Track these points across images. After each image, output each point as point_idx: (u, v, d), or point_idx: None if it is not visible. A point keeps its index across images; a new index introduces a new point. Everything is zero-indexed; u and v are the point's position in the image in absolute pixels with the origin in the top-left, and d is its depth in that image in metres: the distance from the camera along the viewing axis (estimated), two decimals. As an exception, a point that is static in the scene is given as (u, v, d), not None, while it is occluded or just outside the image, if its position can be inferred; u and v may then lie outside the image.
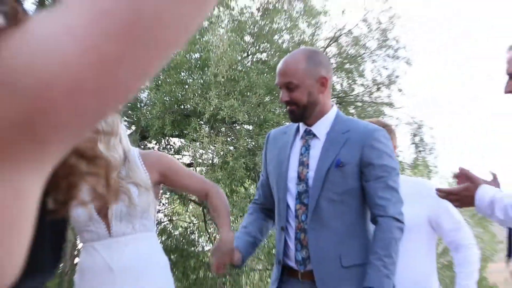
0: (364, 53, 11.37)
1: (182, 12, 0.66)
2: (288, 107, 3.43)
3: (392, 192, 3.40)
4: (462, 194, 3.14)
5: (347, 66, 11.31)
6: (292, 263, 3.42)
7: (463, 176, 3.18)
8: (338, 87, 11.13)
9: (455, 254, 4.24)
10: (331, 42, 11.33)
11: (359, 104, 11.70)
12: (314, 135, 3.45)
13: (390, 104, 11.60)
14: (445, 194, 3.25)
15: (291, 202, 3.46)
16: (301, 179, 3.42)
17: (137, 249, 3.62)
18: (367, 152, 3.38)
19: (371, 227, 3.43)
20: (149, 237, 3.73)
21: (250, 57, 11.32)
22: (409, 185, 3.99)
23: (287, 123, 3.80)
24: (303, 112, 3.40)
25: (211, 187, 3.81)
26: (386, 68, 11.50)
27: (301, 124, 3.51)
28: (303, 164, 3.44)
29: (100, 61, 0.62)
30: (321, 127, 3.44)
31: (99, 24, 0.62)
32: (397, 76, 11.49)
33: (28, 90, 0.61)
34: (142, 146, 10.56)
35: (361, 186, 3.39)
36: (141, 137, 10.60)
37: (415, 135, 11.76)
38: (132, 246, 3.60)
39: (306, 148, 3.47)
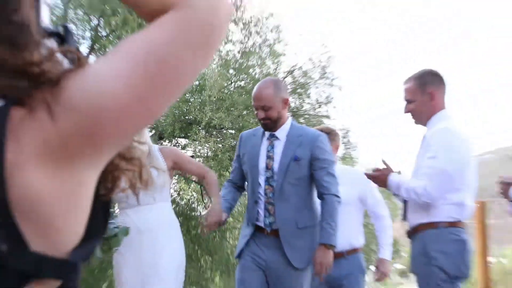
0: (310, 82, 11.61)
1: (193, 63, 0.71)
2: (263, 121, 3.43)
3: (332, 177, 3.40)
4: (380, 177, 3.20)
5: (298, 90, 11.55)
6: (261, 224, 3.41)
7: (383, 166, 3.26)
8: (292, 105, 11.32)
9: (376, 222, 4.13)
10: (287, 74, 11.62)
11: (307, 116, 11.76)
12: (277, 138, 3.46)
13: (327, 117, 11.80)
14: (369, 176, 3.33)
15: (262, 184, 3.43)
16: (268, 168, 3.41)
17: (158, 214, 3.61)
18: (314, 150, 3.38)
19: (317, 201, 3.47)
20: (166, 206, 3.72)
21: (233, 84, 11.45)
22: (344, 172, 3.98)
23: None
24: (273, 125, 3.42)
25: (207, 171, 3.84)
26: (325, 92, 11.75)
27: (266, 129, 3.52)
28: (269, 157, 3.43)
29: (137, 95, 0.66)
30: (282, 132, 3.45)
31: (138, 69, 0.66)
32: (332, 98, 11.72)
33: (87, 113, 0.64)
34: (159, 144, 10.83)
35: (310, 173, 3.41)
36: (158, 137, 10.86)
37: (344, 137, 11.87)
38: (154, 212, 3.59)
39: (272, 146, 3.45)
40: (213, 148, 10.98)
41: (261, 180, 3.40)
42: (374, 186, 3.99)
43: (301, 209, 3.36)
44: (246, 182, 3.67)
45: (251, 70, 11.53)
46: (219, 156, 10.64)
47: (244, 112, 10.61)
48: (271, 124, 3.38)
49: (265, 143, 3.46)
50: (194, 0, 0.71)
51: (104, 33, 10.96)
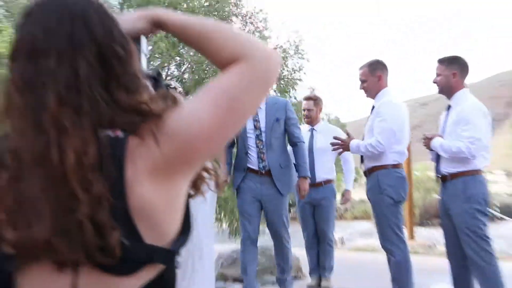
0: (288, 56, 11.70)
1: (255, 98, 0.69)
2: None
3: (299, 129, 3.46)
4: (344, 146, 3.15)
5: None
6: (255, 167, 3.34)
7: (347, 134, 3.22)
8: (275, 72, 11.70)
9: (344, 165, 4.00)
10: (272, 51, 11.93)
11: (286, 80, 11.84)
12: (259, 107, 3.24)
13: (300, 80, 11.86)
14: (336, 147, 3.24)
15: (252, 139, 3.36)
16: (256, 128, 3.37)
17: None
18: (287, 112, 3.39)
19: (289, 147, 3.49)
20: None
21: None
22: (328, 128, 3.94)
23: None
24: None
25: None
26: (298, 63, 11.88)
27: None
28: (256, 121, 3.38)
29: (219, 122, 0.65)
30: (262, 102, 3.29)
31: (218, 105, 0.65)
32: (303, 66, 11.95)
33: (184, 139, 0.63)
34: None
35: (285, 129, 3.41)
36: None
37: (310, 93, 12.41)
38: None
39: (256, 113, 3.36)
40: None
41: (251, 136, 3.38)
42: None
43: (282, 155, 3.39)
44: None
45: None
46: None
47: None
48: None
49: None
50: (254, 54, 0.69)
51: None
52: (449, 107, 2.90)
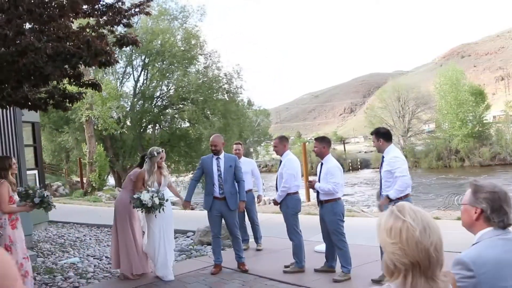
0: (233, 78, 17.74)
1: None
2: (214, 150, 4.64)
3: (241, 173, 4.71)
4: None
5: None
6: (217, 195, 4.55)
7: None
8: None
9: (256, 179, 5.90)
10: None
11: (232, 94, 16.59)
12: (220, 158, 4.64)
13: (241, 93, 17.94)
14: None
15: (216, 177, 4.56)
16: (218, 171, 4.58)
17: (166, 192, 4.63)
18: (236, 162, 4.62)
19: (235, 184, 4.65)
20: (167, 190, 4.76)
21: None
22: (247, 161, 5.85)
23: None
24: (219, 153, 4.66)
25: (178, 194, 4.95)
26: (239, 84, 18.98)
27: (214, 155, 4.66)
28: (218, 166, 4.61)
29: None
30: (221, 156, 4.67)
31: None
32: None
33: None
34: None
35: (233, 172, 4.60)
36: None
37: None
38: (165, 192, 4.61)
39: (218, 162, 4.65)
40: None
41: (215, 176, 4.64)
42: (256, 165, 5.82)
43: (231, 187, 4.69)
44: (201, 178, 4.83)
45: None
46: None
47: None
48: (217, 152, 4.72)
49: (214, 161, 4.73)
50: None
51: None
52: (321, 164, 4.49)
